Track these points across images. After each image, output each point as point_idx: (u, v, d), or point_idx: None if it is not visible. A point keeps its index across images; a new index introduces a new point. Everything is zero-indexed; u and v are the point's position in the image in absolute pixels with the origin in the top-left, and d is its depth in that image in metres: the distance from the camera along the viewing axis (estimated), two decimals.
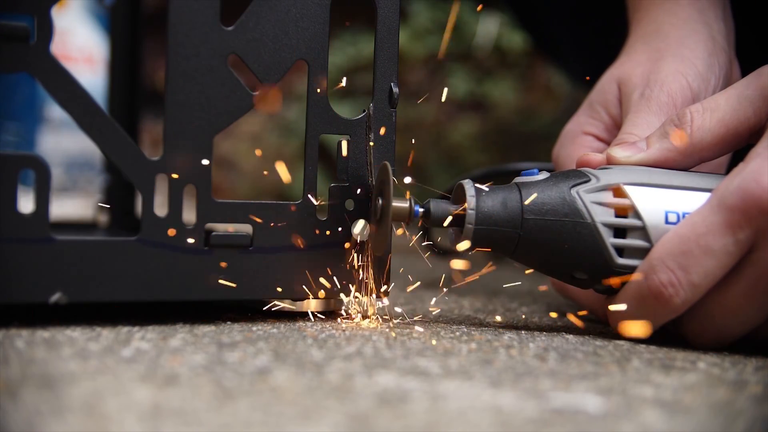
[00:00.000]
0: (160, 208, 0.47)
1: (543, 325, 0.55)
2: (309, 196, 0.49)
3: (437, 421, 0.32)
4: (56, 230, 0.45)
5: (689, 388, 0.39)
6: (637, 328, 0.47)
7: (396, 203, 0.48)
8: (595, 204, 0.47)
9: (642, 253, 0.47)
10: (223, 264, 0.47)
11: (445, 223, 0.48)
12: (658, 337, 0.49)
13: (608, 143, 0.55)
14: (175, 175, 0.46)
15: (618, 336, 0.50)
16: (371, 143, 0.50)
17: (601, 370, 0.41)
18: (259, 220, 0.48)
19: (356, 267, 0.50)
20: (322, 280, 0.50)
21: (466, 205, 0.48)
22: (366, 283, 0.51)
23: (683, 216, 0.47)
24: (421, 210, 0.48)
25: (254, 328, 0.48)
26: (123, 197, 0.73)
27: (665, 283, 0.46)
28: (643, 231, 0.47)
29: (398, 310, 0.55)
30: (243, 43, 0.48)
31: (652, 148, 0.49)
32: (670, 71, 0.53)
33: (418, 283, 0.54)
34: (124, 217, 0.73)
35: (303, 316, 0.52)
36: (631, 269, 0.47)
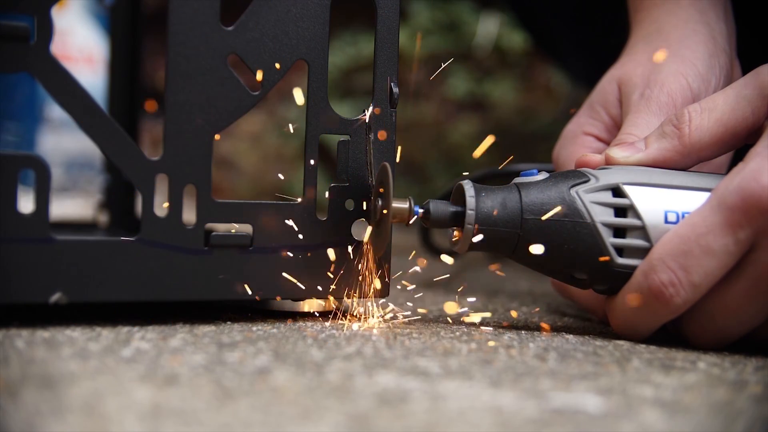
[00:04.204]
0: (160, 208, 0.47)
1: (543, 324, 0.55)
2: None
3: (437, 421, 0.32)
4: (56, 230, 0.45)
5: (689, 388, 0.39)
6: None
7: (396, 204, 0.48)
8: (594, 204, 0.47)
9: (642, 252, 0.47)
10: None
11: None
12: (658, 337, 0.49)
13: (609, 143, 0.55)
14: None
15: (618, 336, 0.50)
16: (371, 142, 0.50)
17: (601, 370, 0.41)
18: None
19: (356, 267, 0.50)
20: (322, 280, 0.50)
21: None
22: (366, 283, 0.51)
23: (683, 216, 0.47)
24: (420, 210, 0.48)
25: (254, 328, 0.48)
26: (123, 197, 0.73)
27: (666, 283, 0.46)
28: (642, 231, 0.47)
29: (395, 308, 0.55)
30: (243, 43, 0.48)
31: (650, 148, 0.49)
32: (670, 71, 0.53)
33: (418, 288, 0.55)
34: (124, 217, 0.73)
35: (303, 316, 0.52)
36: (631, 269, 0.47)
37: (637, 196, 0.48)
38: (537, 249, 0.47)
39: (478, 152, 0.50)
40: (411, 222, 0.48)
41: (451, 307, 0.52)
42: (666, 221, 0.47)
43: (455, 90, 1.65)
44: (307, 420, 0.31)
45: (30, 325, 0.45)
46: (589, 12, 0.85)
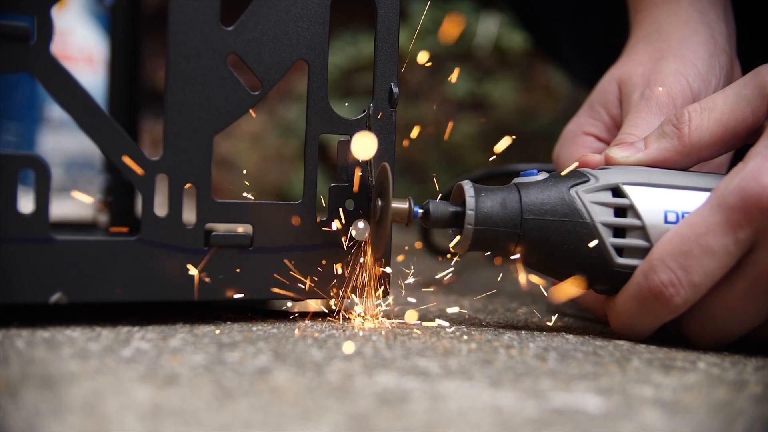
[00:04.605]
0: (160, 208, 0.47)
1: (543, 325, 0.55)
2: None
3: (437, 421, 0.32)
4: (56, 230, 0.45)
5: (689, 388, 0.39)
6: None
7: (395, 204, 0.47)
8: (594, 204, 0.47)
9: (641, 252, 0.47)
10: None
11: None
12: (658, 337, 0.49)
13: (609, 143, 0.55)
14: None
15: (618, 336, 0.50)
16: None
17: (601, 370, 0.41)
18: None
19: (357, 268, 0.50)
20: (321, 280, 0.50)
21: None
22: (366, 283, 0.51)
23: (682, 215, 0.47)
24: (420, 211, 0.48)
25: (254, 328, 0.48)
26: (123, 197, 0.73)
27: (666, 283, 0.46)
28: (642, 230, 0.47)
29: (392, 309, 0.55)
30: (243, 43, 0.48)
31: (650, 148, 0.49)
32: (670, 71, 0.53)
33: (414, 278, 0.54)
34: (124, 217, 0.73)
35: (303, 316, 0.52)
36: (631, 269, 0.47)
37: (637, 196, 0.48)
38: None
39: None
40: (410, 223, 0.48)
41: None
42: (666, 221, 0.47)
43: (455, 90, 1.65)
44: (307, 420, 0.31)
45: (30, 325, 0.45)
46: (589, 12, 0.85)
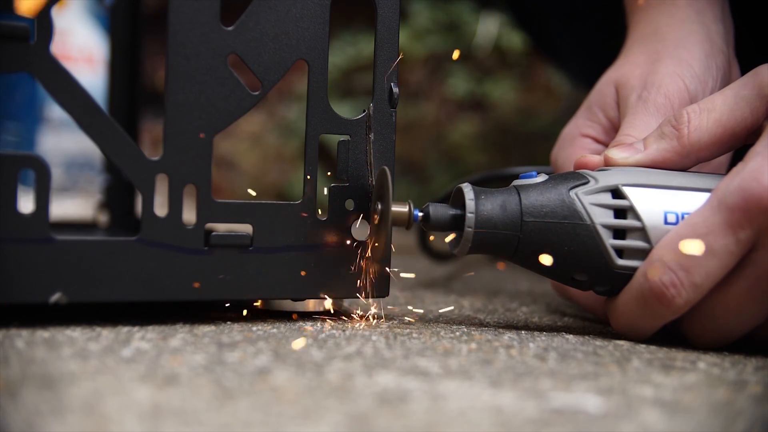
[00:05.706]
0: (160, 208, 0.47)
1: (543, 325, 0.55)
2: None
3: (437, 421, 0.32)
4: (56, 230, 0.45)
5: (689, 388, 0.39)
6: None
7: (395, 207, 0.47)
8: (594, 205, 0.47)
9: (642, 254, 0.47)
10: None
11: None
12: (658, 337, 0.49)
13: (607, 145, 0.55)
14: None
15: (618, 336, 0.50)
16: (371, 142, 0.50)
17: (601, 370, 0.41)
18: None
19: (356, 268, 0.50)
20: (322, 280, 0.50)
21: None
22: (366, 284, 0.51)
23: (682, 216, 0.47)
24: (420, 214, 0.48)
25: (254, 328, 0.48)
26: (123, 197, 0.73)
27: (667, 284, 0.46)
28: (642, 232, 0.47)
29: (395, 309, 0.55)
30: (243, 43, 0.48)
31: (649, 149, 0.49)
32: (667, 73, 0.53)
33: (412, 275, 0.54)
34: (124, 217, 0.73)
35: (303, 316, 0.52)
36: (632, 270, 0.47)
37: (637, 197, 0.48)
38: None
39: None
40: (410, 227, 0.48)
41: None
42: (666, 222, 0.47)
43: (455, 90, 1.65)
44: (307, 420, 0.31)
45: (30, 325, 0.45)
46: (587, 13, 0.85)
